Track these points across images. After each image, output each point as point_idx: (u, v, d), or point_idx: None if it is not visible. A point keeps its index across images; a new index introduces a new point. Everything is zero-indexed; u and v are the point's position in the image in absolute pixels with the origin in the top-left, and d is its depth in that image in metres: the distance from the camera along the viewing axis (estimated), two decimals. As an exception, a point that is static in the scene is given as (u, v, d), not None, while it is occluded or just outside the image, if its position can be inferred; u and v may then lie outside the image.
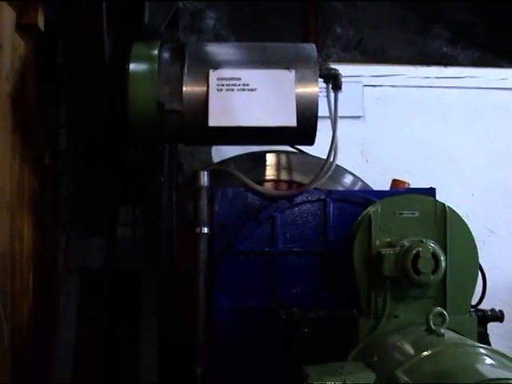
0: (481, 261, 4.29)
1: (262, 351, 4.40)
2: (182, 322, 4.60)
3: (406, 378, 3.18)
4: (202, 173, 4.44)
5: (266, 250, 4.52)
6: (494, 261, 5.92)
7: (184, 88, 4.29)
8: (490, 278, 4.78)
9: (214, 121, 4.21)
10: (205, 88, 4.28)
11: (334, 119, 4.61)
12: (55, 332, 4.62)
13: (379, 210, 3.99)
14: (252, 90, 4.26)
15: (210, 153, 6.18)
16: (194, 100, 4.28)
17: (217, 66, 4.32)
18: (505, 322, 5.17)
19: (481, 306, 4.44)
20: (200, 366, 4.34)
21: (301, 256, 4.54)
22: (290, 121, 4.23)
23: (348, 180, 5.35)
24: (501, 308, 4.39)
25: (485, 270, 4.55)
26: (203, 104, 4.25)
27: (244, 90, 4.26)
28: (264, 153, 5.27)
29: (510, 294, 6.07)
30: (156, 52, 4.39)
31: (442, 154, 6.50)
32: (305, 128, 4.33)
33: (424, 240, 3.81)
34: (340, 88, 4.54)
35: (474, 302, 4.31)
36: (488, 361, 3.27)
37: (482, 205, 6.32)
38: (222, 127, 4.24)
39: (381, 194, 4.47)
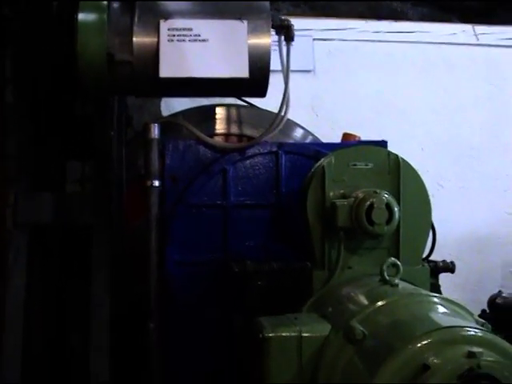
0: (430, 215, 4.33)
1: (215, 305, 4.38)
2: (133, 277, 4.56)
3: (362, 328, 3.19)
4: (152, 125, 4.37)
5: (218, 203, 4.49)
6: (443, 214, 5.90)
7: (134, 39, 4.21)
8: (439, 231, 4.80)
9: (165, 72, 4.14)
10: (155, 39, 4.20)
11: (286, 72, 4.57)
12: (5, 289, 4.55)
13: (333, 162, 3.97)
14: (204, 40, 4.20)
15: (159, 106, 6.08)
16: (144, 51, 4.21)
17: (168, 16, 4.25)
18: (454, 274, 5.26)
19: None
20: (153, 321, 4.31)
21: (253, 209, 4.52)
22: (243, 72, 4.18)
23: (298, 134, 5.34)
24: (449, 261, 4.45)
25: (434, 224, 4.59)
26: (154, 55, 4.18)
27: (196, 40, 4.19)
28: (214, 106, 5.21)
29: (459, 248, 6.14)
30: (105, 2, 4.29)
31: (392, 109, 6.50)
32: (257, 79, 4.28)
33: (378, 191, 3.80)
34: (292, 39, 4.50)
35: (423, 255, 4.35)
36: (442, 309, 3.30)
37: (431, 159, 6.35)
38: (174, 78, 4.17)
39: (333, 147, 4.45)
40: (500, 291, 5.66)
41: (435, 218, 4.56)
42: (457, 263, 4.73)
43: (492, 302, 5.56)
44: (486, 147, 6.76)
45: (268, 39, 4.30)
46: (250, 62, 4.21)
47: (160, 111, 6.11)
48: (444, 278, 4.51)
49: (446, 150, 6.59)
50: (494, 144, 6.80)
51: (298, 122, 5.36)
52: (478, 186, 6.69)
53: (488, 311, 5.38)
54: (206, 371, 4.37)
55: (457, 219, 6.49)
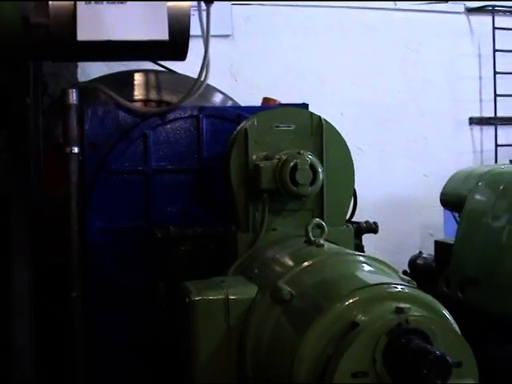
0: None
1: (140, 272, 4.33)
2: (55, 245, 4.47)
3: (289, 288, 3.19)
4: (70, 90, 4.27)
5: (139, 168, 4.43)
6: (363, 178, 5.94)
7: (50, 1, 4.08)
8: (359, 194, 4.84)
9: (82, 35, 4.03)
10: (72, 1, 4.08)
11: (205, 35, 4.53)
12: None
13: (255, 124, 3.95)
14: (122, 2, 4.10)
15: (75, 74, 5.96)
16: (61, 13, 4.09)
17: (85, -23, 4.13)
18: (375, 237, 5.32)
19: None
20: (75, 290, 4.24)
21: (175, 174, 4.47)
22: (162, 34, 4.10)
23: (218, 99, 5.29)
24: (369, 225, 4.50)
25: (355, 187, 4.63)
26: (71, 17, 4.06)
27: (114, 2, 4.10)
28: (132, 72, 5.13)
29: (378, 211, 6.21)
30: (19, -36, 4.16)
31: (311, 73, 6.52)
32: (177, 42, 4.21)
33: (301, 152, 3.80)
34: (212, 1, 4.44)
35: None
36: (368, 268, 3.33)
37: (350, 123, 6.37)
38: (91, 41, 4.07)
39: (254, 110, 4.41)
40: (420, 252, 5.76)
41: (356, 181, 4.60)
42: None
43: (413, 262, 5.66)
44: (404, 111, 6.85)
45: (187, 1, 4.23)
46: (169, 23, 4.13)
47: (76, 78, 5.99)
48: (366, 241, 4.55)
49: (364, 114, 6.65)
50: (412, 108, 6.90)
51: (218, 87, 5.31)
52: (397, 150, 6.78)
53: (409, 272, 5.47)
54: (133, 339, 4.32)
55: (376, 182, 6.57)
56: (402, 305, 2.75)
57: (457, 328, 2.97)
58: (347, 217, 4.40)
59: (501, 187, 4.74)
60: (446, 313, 3.01)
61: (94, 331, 4.29)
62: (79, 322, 4.23)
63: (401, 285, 3.02)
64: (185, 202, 4.48)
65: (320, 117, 4.03)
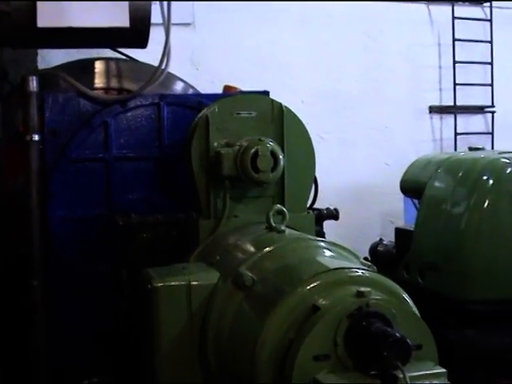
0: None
1: (102, 259, 4.32)
2: (16, 235, 4.44)
3: (250, 274, 3.20)
4: (30, 78, 4.24)
5: (100, 156, 4.42)
6: (324, 166, 5.97)
7: (10, -12, 4.05)
8: (320, 182, 4.87)
9: (42, 21, 4.00)
10: (32, -12, 4.05)
11: (167, 23, 4.52)
12: None
13: (216, 111, 3.96)
14: (82, -11, 4.08)
15: (35, 61, 5.90)
16: (22, 0, 4.04)
17: (45, -36, 4.10)
18: (336, 224, 5.35)
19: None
20: (36, 278, 4.22)
21: (136, 161, 4.47)
22: (123, 21, 4.09)
23: (179, 87, 5.27)
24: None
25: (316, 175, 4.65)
26: (32, 4, 4.02)
27: (74, -11, 4.07)
28: (92, 60, 5.09)
29: (339, 198, 6.21)
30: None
31: (273, 62, 6.52)
32: (138, 29, 4.20)
33: (262, 139, 3.82)
34: (174, -12, 4.44)
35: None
36: (329, 253, 3.35)
37: (311, 111, 6.38)
38: (52, 28, 4.04)
39: (215, 98, 4.41)
40: (381, 239, 5.80)
41: (317, 169, 4.62)
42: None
43: (373, 249, 5.69)
44: (365, 99, 6.88)
45: (149, -12, 4.23)
46: (130, 10, 4.12)
47: (37, 66, 5.93)
48: (327, 229, 4.58)
49: (325, 102, 6.67)
50: (373, 96, 6.93)
51: (179, 75, 5.30)
52: (357, 138, 6.81)
53: (370, 259, 5.51)
54: (95, 327, 4.31)
55: (337, 170, 6.60)
56: (363, 289, 2.77)
57: (416, 311, 3.01)
58: (308, 204, 4.43)
59: (460, 174, 4.78)
60: (406, 297, 3.04)
61: (56, 320, 4.27)
62: (40, 310, 4.21)
63: (361, 269, 3.05)
64: (146, 190, 4.47)
65: (281, 104, 4.05)
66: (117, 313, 4.18)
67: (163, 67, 4.57)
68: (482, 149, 5.46)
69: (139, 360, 3.80)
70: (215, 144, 3.93)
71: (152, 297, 3.35)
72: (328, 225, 4.86)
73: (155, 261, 3.76)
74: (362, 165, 6.79)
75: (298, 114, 4.16)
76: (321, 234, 4.36)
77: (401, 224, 5.98)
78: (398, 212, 6.68)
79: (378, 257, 5.52)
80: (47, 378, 4.23)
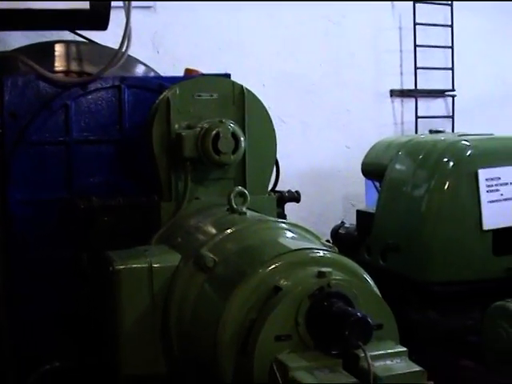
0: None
1: (61, 243, 4.29)
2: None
3: (212, 255, 3.20)
4: (-12, 60, 4.19)
5: (61, 139, 4.37)
6: (286, 149, 5.99)
7: (-35, -32, 3.99)
8: (281, 166, 4.87)
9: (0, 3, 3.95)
10: (-11, -32, 3.99)
11: (127, 6, 4.48)
12: None
13: (177, 93, 3.95)
14: (40, -31, 4.03)
15: (-7, 44, 5.84)
16: (-23, -19, 3.99)
17: None
18: (298, 208, 5.36)
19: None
20: (-6, 263, 4.19)
21: (97, 144, 4.43)
22: (82, 3, 4.04)
23: (140, 70, 5.23)
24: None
25: (277, 158, 4.66)
26: (-12, -14, 3.98)
27: (31, -31, 4.02)
28: (53, 43, 5.04)
29: (301, 182, 6.20)
30: None
31: (234, 45, 6.49)
32: (98, 11, 4.14)
33: (223, 120, 3.82)
34: (134, -29, 4.41)
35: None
36: (290, 234, 3.36)
37: (273, 95, 6.36)
38: (10, 10, 3.98)
39: (176, 80, 4.40)
40: (342, 222, 5.82)
41: (278, 153, 4.62)
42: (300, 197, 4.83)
43: (335, 232, 5.72)
44: (326, 83, 6.89)
45: (109, -30, 4.18)
46: (90, -9, 4.08)
47: (-5, 49, 5.86)
48: (289, 212, 4.59)
49: (287, 85, 6.66)
50: (334, 79, 6.94)
51: (140, 58, 5.26)
52: (319, 121, 6.82)
53: (331, 242, 5.53)
54: (56, 311, 4.28)
55: (299, 154, 6.61)
56: (324, 269, 2.78)
57: (378, 291, 3.03)
58: (270, 187, 4.44)
59: (420, 156, 4.81)
60: (367, 277, 3.06)
61: (16, 304, 4.24)
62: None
63: (322, 250, 3.06)
64: (107, 173, 4.45)
65: (242, 86, 4.05)
66: (78, 297, 4.16)
67: (124, 50, 4.53)
68: (443, 131, 5.51)
69: (101, 344, 3.79)
70: (176, 126, 3.92)
71: (113, 280, 3.34)
72: (290, 208, 4.87)
73: (117, 244, 3.73)
74: (323, 148, 6.80)
75: (259, 98, 4.17)
76: (282, 216, 4.37)
77: (362, 207, 6.01)
78: (359, 195, 6.71)
79: (340, 239, 5.55)
80: (9, 363, 4.20)
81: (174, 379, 3.44)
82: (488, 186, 4.61)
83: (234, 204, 3.58)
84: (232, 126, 3.81)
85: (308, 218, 6.04)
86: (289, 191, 4.44)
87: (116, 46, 4.52)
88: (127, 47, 4.54)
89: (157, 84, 4.52)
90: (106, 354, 3.63)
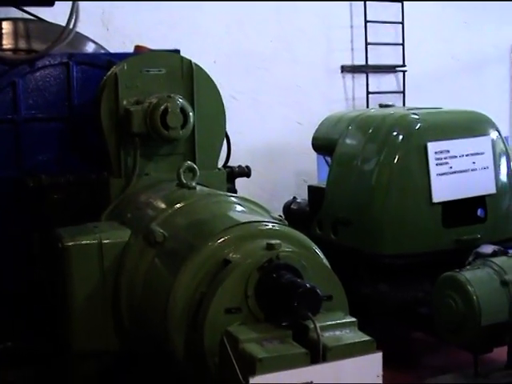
0: (225, 126, 4.40)
1: (12, 222, 4.24)
2: None
3: (161, 230, 3.20)
4: None
5: (9, 117, 4.32)
6: (237, 126, 6.00)
7: None
8: (233, 143, 4.88)
9: None
10: None
11: (74, -20, 4.43)
12: None
13: (125, 68, 3.93)
14: None
15: None
16: None
17: None
18: (250, 184, 5.37)
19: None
20: None
21: (46, 122, 4.40)
22: (27, -22, 4.00)
23: (90, 48, 5.18)
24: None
25: (229, 135, 4.67)
26: None
27: None
28: (0, 20, 4.97)
29: (253, 159, 6.20)
30: None
31: (184, 22, 6.42)
32: (43, -15, 4.12)
33: (172, 95, 3.81)
34: None
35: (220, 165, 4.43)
36: (240, 208, 3.38)
37: (224, 72, 6.34)
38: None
39: (125, 57, 4.36)
40: (294, 197, 5.84)
41: (230, 129, 4.62)
42: (252, 173, 4.84)
43: (287, 208, 5.74)
44: (277, 59, 6.86)
45: None
46: (36, -34, 4.04)
47: None
48: (241, 189, 4.60)
49: (238, 62, 6.63)
50: (285, 56, 6.92)
51: (89, 36, 5.21)
52: (270, 98, 6.80)
53: (283, 217, 5.54)
54: (7, 291, 4.25)
55: (251, 130, 6.59)
56: (273, 241, 2.80)
57: (327, 263, 3.05)
58: (222, 163, 4.45)
59: (370, 130, 4.84)
60: (317, 249, 3.09)
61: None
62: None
63: (272, 223, 3.07)
64: (56, 151, 4.41)
65: (190, 61, 4.04)
66: (30, 276, 4.13)
67: (71, 26, 4.49)
68: (392, 106, 5.53)
69: (54, 320, 3.78)
70: (125, 102, 3.90)
71: (63, 256, 3.33)
72: (242, 185, 4.88)
73: (68, 221, 3.72)
74: (275, 125, 6.79)
75: (210, 75, 4.16)
76: (233, 191, 4.38)
77: (314, 182, 6.03)
78: (311, 171, 6.73)
79: (292, 215, 5.57)
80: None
81: (125, 355, 3.44)
82: (437, 159, 4.65)
83: (183, 179, 3.58)
84: (181, 100, 3.80)
85: (260, 194, 6.04)
86: (239, 166, 4.45)
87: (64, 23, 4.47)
88: (75, 24, 4.50)
89: (106, 60, 4.49)
90: (59, 331, 3.62)
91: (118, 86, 3.89)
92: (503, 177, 4.96)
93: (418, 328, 5.08)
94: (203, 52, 6.11)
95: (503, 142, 5.04)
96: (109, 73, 3.99)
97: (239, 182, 4.81)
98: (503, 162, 4.97)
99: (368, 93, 7.32)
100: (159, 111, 3.73)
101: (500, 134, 5.04)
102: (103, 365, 3.48)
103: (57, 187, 4.09)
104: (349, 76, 7.40)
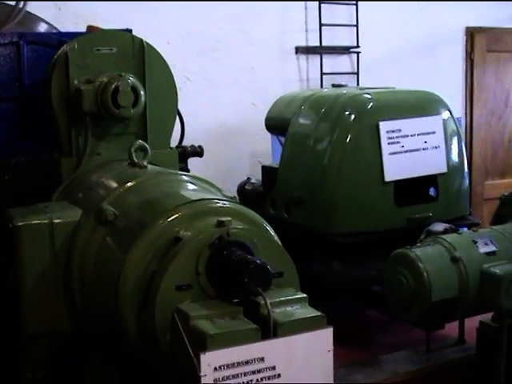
0: (178, 107, 4.38)
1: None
2: None
3: (112, 209, 3.19)
4: None
5: (-42, 97, 4.27)
6: (191, 107, 5.99)
7: None
8: (187, 124, 4.87)
9: None
10: None
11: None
12: None
13: (76, 47, 3.90)
14: None
15: None
16: None
17: None
18: (204, 165, 5.37)
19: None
20: None
21: (-4, 103, 4.35)
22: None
23: (42, 28, 5.14)
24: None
25: (183, 116, 4.66)
26: None
27: None
28: None
29: (207, 140, 6.19)
30: None
31: (139, 3, 6.36)
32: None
33: (123, 74, 3.80)
34: None
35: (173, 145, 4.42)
36: (191, 186, 3.38)
37: (177, 53, 6.33)
38: None
39: (77, 36, 4.31)
40: (248, 178, 5.85)
41: (183, 111, 4.62)
42: (206, 155, 4.83)
43: (241, 188, 5.75)
44: (231, 40, 6.84)
45: None
46: None
47: None
48: (195, 170, 4.59)
49: (191, 43, 6.60)
50: (239, 37, 6.90)
51: (41, 16, 5.16)
52: (225, 79, 6.78)
53: (238, 198, 5.55)
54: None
55: (204, 112, 6.57)
56: (223, 218, 2.81)
57: (278, 240, 3.06)
58: (176, 144, 4.45)
59: (323, 110, 4.86)
60: (268, 226, 3.10)
61: None
62: None
63: (223, 200, 3.08)
64: (7, 131, 4.36)
65: (142, 39, 4.02)
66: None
67: (21, 6, 4.45)
68: (345, 86, 5.56)
69: (7, 300, 3.75)
70: (75, 81, 3.88)
71: (14, 236, 3.31)
72: (196, 165, 4.89)
73: (19, 202, 3.68)
74: (229, 106, 6.77)
75: (164, 56, 4.15)
76: (185, 171, 4.36)
77: (269, 163, 6.03)
78: (266, 152, 6.73)
79: (246, 195, 5.57)
80: None
81: (78, 335, 3.43)
82: (389, 138, 4.69)
83: (134, 158, 3.57)
84: (131, 79, 3.79)
85: (215, 175, 6.01)
86: (192, 146, 4.46)
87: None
88: (25, 3, 4.45)
89: (57, 40, 4.44)
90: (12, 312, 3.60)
91: (69, 65, 3.86)
92: (454, 156, 5.01)
93: (372, 306, 5.12)
94: (157, 33, 6.07)
95: (455, 122, 5.09)
96: (59, 52, 3.96)
97: (194, 164, 4.81)
98: (455, 141, 5.02)
99: (322, 74, 7.32)
100: (110, 90, 3.71)
101: (451, 114, 5.08)
102: (55, 345, 3.47)
103: (8, 168, 4.06)
104: (303, 57, 7.40)
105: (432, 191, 5.00)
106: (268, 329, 2.58)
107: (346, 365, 4.41)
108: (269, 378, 2.55)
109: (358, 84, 7.44)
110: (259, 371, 2.53)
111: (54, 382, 3.50)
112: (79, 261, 3.26)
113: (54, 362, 3.49)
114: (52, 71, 3.90)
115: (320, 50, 7.36)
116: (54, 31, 5.17)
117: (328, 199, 4.67)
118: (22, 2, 4.46)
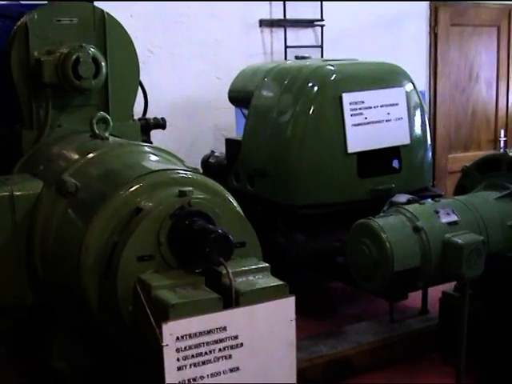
0: (142, 80, 4.36)
1: None
2: None
3: (74, 181, 3.17)
4: None
5: None
6: (155, 81, 5.96)
7: None
8: (151, 97, 4.85)
9: None
10: None
11: None
12: None
13: (36, 18, 3.86)
14: None
15: None
16: None
17: None
18: (168, 139, 5.35)
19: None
20: None
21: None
22: None
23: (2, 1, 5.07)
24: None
25: (146, 90, 4.63)
26: None
27: None
28: None
29: (171, 113, 6.16)
30: None
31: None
32: None
33: (83, 45, 3.76)
34: None
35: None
36: (153, 157, 3.37)
37: (140, 26, 6.28)
38: None
39: (37, 7, 4.27)
40: (212, 151, 5.84)
41: (147, 84, 4.59)
42: (170, 128, 4.82)
43: (205, 161, 5.74)
44: (195, 14, 6.79)
45: None
46: None
47: None
48: (159, 143, 4.55)
49: (155, 16, 6.54)
50: (203, 10, 6.85)
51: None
52: (188, 52, 6.73)
53: (202, 171, 5.54)
54: None
55: (168, 85, 6.52)
56: (185, 188, 2.80)
57: (240, 210, 3.06)
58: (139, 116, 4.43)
59: (286, 82, 4.84)
60: (230, 196, 3.10)
61: None
62: None
63: (184, 171, 3.07)
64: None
65: (102, 10, 3.99)
66: None
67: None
68: (309, 58, 5.55)
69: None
70: (35, 53, 3.84)
71: (-27, 209, 3.28)
72: (160, 138, 4.88)
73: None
74: (193, 79, 6.73)
75: (126, 29, 4.11)
76: (148, 143, 4.34)
77: (233, 136, 6.02)
78: (230, 125, 6.71)
79: (210, 168, 5.56)
80: None
81: (40, 308, 3.42)
82: (352, 109, 4.69)
83: (96, 130, 3.55)
84: (92, 50, 3.76)
85: (179, 148, 5.99)
86: (154, 118, 4.44)
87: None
88: (-16, -26, 4.39)
89: (17, 11, 4.38)
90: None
91: (29, 36, 3.82)
92: (417, 128, 5.02)
93: (335, 277, 5.15)
94: (120, 6, 6.02)
95: (418, 95, 5.10)
96: (19, 23, 3.92)
97: (158, 138, 4.79)
98: (418, 114, 5.03)
99: (286, 47, 7.30)
100: (71, 61, 3.68)
101: (415, 87, 5.10)
102: (18, 319, 3.45)
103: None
104: (267, 30, 7.37)
105: (395, 163, 5.02)
106: (230, 298, 2.58)
107: (310, 336, 4.44)
108: (231, 347, 2.56)
109: (322, 57, 7.44)
110: (222, 340, 2.53)
111: (20, 356, 3.49)
112: (41, 233, 3.24)
113: (18, 336, 3.47)
114: (12, 42, 3.86)
115: (284, 23, 7.33)
116: (14, 2, 5.10)
117: (291, 171, 4.66)
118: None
